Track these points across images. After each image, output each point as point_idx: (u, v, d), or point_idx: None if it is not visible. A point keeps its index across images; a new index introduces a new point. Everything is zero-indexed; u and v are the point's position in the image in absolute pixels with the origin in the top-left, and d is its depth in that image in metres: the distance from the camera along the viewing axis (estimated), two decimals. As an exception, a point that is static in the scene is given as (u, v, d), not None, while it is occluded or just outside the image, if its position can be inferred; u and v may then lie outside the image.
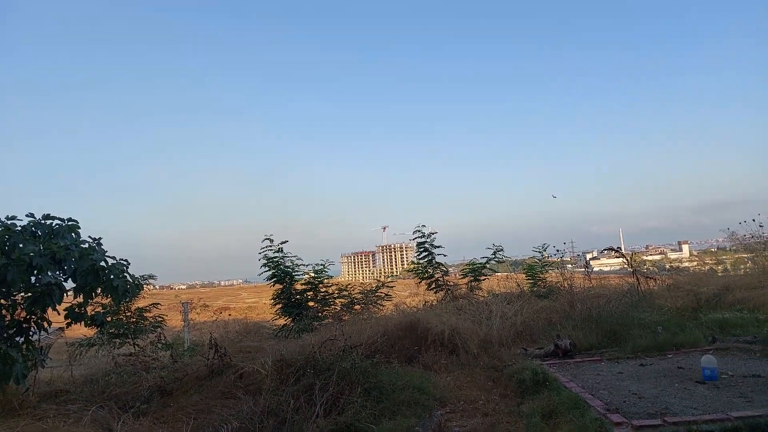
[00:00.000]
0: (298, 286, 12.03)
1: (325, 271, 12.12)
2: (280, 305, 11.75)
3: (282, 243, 11.95)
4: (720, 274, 14.97)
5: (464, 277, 14.27)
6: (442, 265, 13.87)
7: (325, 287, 12.08)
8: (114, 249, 5.97)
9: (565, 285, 13.07)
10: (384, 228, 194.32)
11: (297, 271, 11.97)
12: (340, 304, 11.77)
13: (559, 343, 7.73)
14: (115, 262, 5.91)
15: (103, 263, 5.73)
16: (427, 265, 13.88)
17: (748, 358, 6.75)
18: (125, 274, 5.96)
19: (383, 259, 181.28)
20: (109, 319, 9.20)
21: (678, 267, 26.66)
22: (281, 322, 11.57)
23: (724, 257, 21.47)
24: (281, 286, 11.84)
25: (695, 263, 25.43)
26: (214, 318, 13.48)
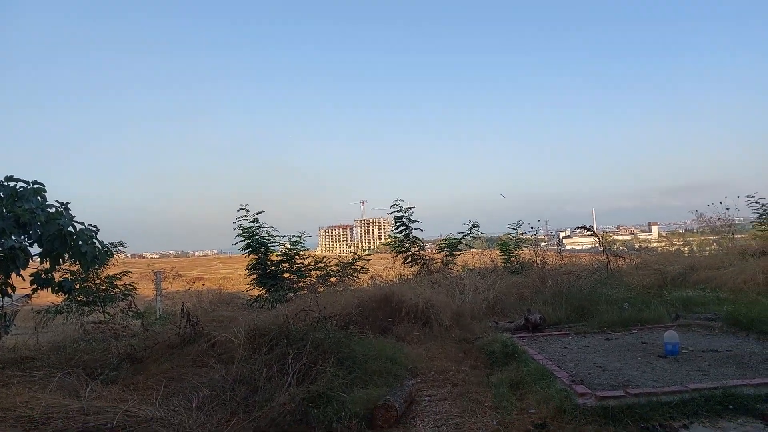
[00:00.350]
0: (274, 257, 11.97)
1: (301, 243, 12.07)
2: (254, 276, 11.69)
3: (258, 213, 11.83)
4: (686, 255, 15.42)
5: (440, 252, 14.41)
6: (419, 239, 13.97)
7: (300, 259, 12.05)
8: (83, 216, 5.79)
9: (538, 262, 13.34)
10: (363, 202, 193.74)
11: (273, 242, 11.90)
12: (315, 276, 11.78)
13: (530, 317, 7.90)
14: (83, 227, 5.73)
15: (70, 228, 5.55)
16: (403, 240, 13.95)
17: (708, 334, 7.01)
18: (94, 240, 5.78)
19: (361, 233, 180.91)
20: (77, 286, 9.02)
21: (647, 247, 27.31)
22: (256, 292, 11.54)
23: (691, 239, 22.06)
24: (256, 257, 11.77)
25: (663, 244, 26.08)
26: (187, 288, 13.33)
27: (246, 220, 11.79)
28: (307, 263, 12.05)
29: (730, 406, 4.20)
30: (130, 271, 11.09)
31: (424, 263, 13.45)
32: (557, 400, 4.45)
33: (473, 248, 16.88)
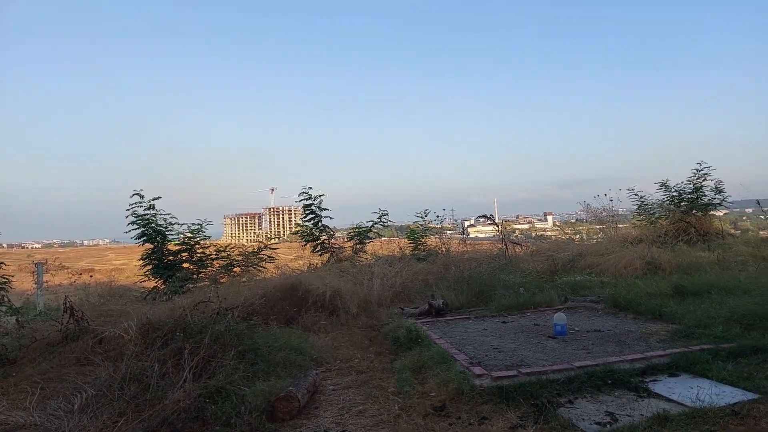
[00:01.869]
0: (172, 247, 11.26)
1: (202, 231, 11.45)
2: (150, 266, 10.94)
3: (154, 199, 11.03)
4: (576, 243, 16.67)
5: (350, 240, 14.41)
6: (328, 227, 13.86)
7: (202, 248, 11.45)
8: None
9: (443, 249, 13.80)
10: (272, 189, 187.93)
11: (171, 230, 11.16)
12: (218, 265, 11.26)
13: (433, 303, 8.13)
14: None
15: None
16: (313, 228, 13.77)
17: (593, 315, 7.63)
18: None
19: (270, 222, 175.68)
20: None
21: (542, 235, 29.34)
22: (151, 284, 10.80)
23: (581, 228, 23.85)
24: (152, 246, 11.00)
25: (557, 232, 28.16)
26: (73, 280, 12.17)
27: (140, 206, 10.96)
28: (208, 253, 11.47)
29: (609, 381, 4.58)
30: (3, 263, 9.87)
31: (334, 252, 13.38)
32: (456, 382, 4.60)
33: (383, 237, 17.09)
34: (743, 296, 6.85)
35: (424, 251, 14.52)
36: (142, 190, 10.89)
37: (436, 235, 15.84)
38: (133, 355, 5.61)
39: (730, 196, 16.27)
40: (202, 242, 11.51)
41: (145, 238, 11.04)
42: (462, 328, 7.23)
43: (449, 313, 8.23)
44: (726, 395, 4.08)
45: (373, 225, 14.37)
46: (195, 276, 10.74)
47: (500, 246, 14.19)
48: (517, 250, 14.44)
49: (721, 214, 17.97)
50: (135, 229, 11.03)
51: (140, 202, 10.94)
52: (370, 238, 14.46)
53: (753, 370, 4.55)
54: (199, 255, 11.25)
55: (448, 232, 19.97)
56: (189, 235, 11.30)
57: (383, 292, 9.11)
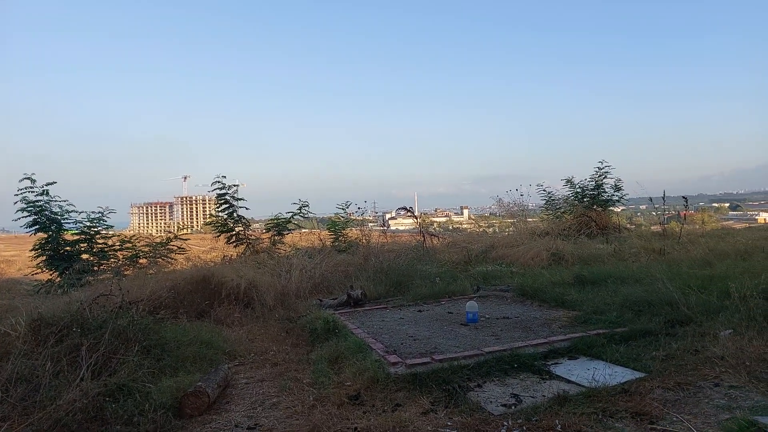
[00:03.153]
0: (69, 237, 10.37)
1: (103, 221, 10.63)
2: (44, 258, 10.01)
3: (48, 184, 10.08)
4: (489, 235, 17.43)
5: (267, 232, 14.05)
6: (244, 218, 13.42)
7: (103, 238, 10.64)
8: None
9: (364, 241, 13.86)
10: (185, 177, 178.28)
11: (67, 218, 10.26)
12: (122, 257, 10.53)
13: (352, 293, 8.15)
14: None
15: None
16: (227, 218, 13.28)
17: (502, 303, 8.01)
18: None
19: (183, 212, 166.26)
20: None
21: (458, 228, 30.34)
22: (45, 276, 9.90)
23: (494, 221, 24.93)
24: (46, 236, 10.06)
25: (472, 225, 29.24)
26: (-50, 274, 10.88)
27: (32, 192, 9.98)
28: (111, 243, 10.68)
29: (516, 365, 4.82)
30: None
31: (250, 243, 12.99)
32: (372, 371, 4.63)
33: (303, 228, 16.86)
34: (635, 285, 7.48)
35: (345, 243, 14.49)
36: (33, 174, 9.93)
37: (358, 227, 15.86)
38: (21, 353, 5.10)
39: (627, 193, 17.79)
40: (103, 232, 10.70)
41: (37, 226, 10.08)
42: (379, 317, 7.31)
43: (368, 303, 8.29)
44: (618, 375, 4.44)
45: (292, 216, 14.11)
46: (95, 268, 9.98)
47: (419, 238, 14.53)
48: (435, 241, 14.86)
49: (619, 209, 19.61)
50: (26, 216, 10.05)
51: (31, 187, 9.97)
52: (290, 230, 14.19)
53: (641, 351, 4.99)
54: (100, 246, 10.46)
55: (370, 224, 20.08)
56: (88, 224, 10.45)
57: (302, 284, 8.99)
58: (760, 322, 5.21)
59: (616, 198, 17.61)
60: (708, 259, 9.21)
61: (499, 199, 18.62)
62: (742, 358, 4.40)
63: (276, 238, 13.57)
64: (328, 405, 4.17)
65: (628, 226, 19.39)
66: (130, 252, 10.66)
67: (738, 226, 21.65)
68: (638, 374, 4.42)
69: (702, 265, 8.73)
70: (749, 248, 9.85)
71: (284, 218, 14.04)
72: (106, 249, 10.51)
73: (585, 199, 17.43)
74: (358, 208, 16.42)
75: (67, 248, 10.17)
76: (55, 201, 10.16)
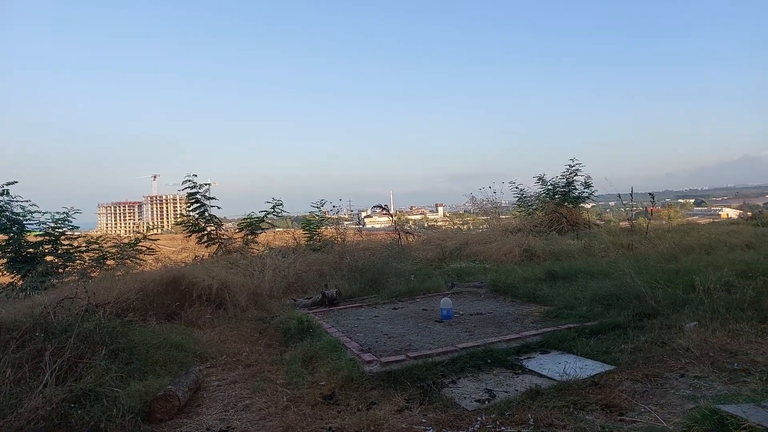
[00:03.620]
0: (32, 238, 10.01)
1: (68, 221, 10.30)
2: (4, 260, 9.64)
3: (8, 184, 9.71)
4: (463, 232, 17.59)
5: (240, 231, 13.86)
6: (216, 217, 13.19)
7: (68, 239, 10.31)
8: None
9: (339, 239, 13.80)
10: (155, 176, 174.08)
11: (30, 219, 9.91)
12: (88, 258, 10.22)
13: (326, 292, 8.10)
14: None
15: None
16: (198, 218, 13.04)
17: (476, 300, 8.08)
18: None
19: (152, 212, 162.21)
20: None
21: (434, 226, 30.59)
22: (6, 279, 9.54)
23: (468, 218, 25.21)
24: (7, 238, 9.69)
25: (447, 223, 29.51)
26: None
27: (-10, 192, 9.60)
28: (77, 244, 10.36)
29: (489, 360, 4.86)
30: None
31: (222, 243, 12.78)
32: (346, 370, 4.61)
33: (278, 227, 16.68)
34: (604, 279, 7.64)
35: (320, 242, 14.40)
36: (-7, 173, 9.54)
37: (333, 226, 15.78)
38: (-22, 360, 4.90)
39: (596, 190, 18.17)
40: (69, 233, 10.38)
41: (-4, 228, 9.70)
42: (354, 316, 7.28)
43: (343, 302, 8.25)
44: (588, 368, 4.51)
45: (266, 215, 13.93)
46: (60, 270, 9.67)
47: (394, 236, 14.54)
48: (410, 239, 14.90)
49: (589, 206, 19.99)
50: (-16, 217, 9.66)
51: (-11, 187, 9.59)
52: (263, 229, 14.02)
53: (611, 344, 5.10)
54: (65, 247, 10.13)
55: (345, 222, 20.02)
56: (53, 225, 10.11)
57: (275, 284, 8.89)
58: (722, 314, 5.39)
59: (586, 195, 17.96)
60: (674, 253, 9.48)
61: (473, 196, 18.80)
62: (706, 349, 4.54)
63: (249, 237, 13.39)
64: (302, 405, 4.13)
65: (598, 222, 19.81)
66: (96, 253, 10.37)
67: (702, 221, 22.34)
68: (608, 367, 4.51)
69: (668, 259, 8.97)
70: (713, 242, 10.17)
71: (257, 217, 13.86)
72: (71, 250, 10.19)
73: (556, 196, 17.71)
74: (333, 207, 16.35)
75: (30, 250, 9.81)
76: (17, 201, 9.81)
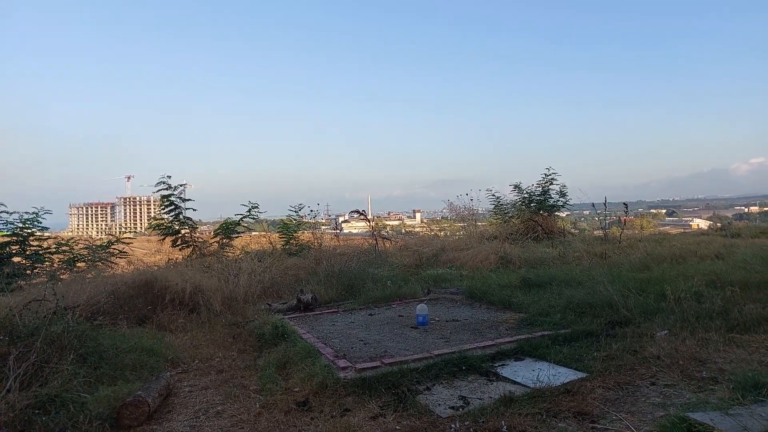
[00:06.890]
0: None
1: (38, 222, 10.02)
2: (-32, 262, 9.33)
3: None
4: (440, 239, 17.67)
5: (216, 235, 13.66)
6: (191, 219, 12.98)
7: (37, 240, 10.02)
8: None
9: (316, 244, 13.72)
10: (128, 177, 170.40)
11: (-4, 219, 9.62)
12: (58, 260, 9.94)
13: (302, 297, 8.03)
14: None
15: None
16: (173, 220, 12.81)
17: (452, 306, 8.11)
18: None
19: (126, 213, 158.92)
20: None
21: (411, 231, 30.60)
22: (-31, 282, 9.20)
23: (445, 225, 25.31)
24: (-30, 239, 9.40)
25: (424, 229, 29.57)
26: None
27: (-44, 190, 9.28)
28: (46, 246, 10.08)
29: (464, 367, 4.88)
30: None
31: (197, 246, 12.58)
32: (321, 376, 4.57)
33: (254, 231, 16.51)
34: (578, 287, 7.74)
35: (296, 246, 14.29)
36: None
37: (310, 230, 15.69)
38: (-64, 367, 4.71)
39: (571, 199, 18.49)
40: (38, 233, 10.08)
41: (-38, 228, 9.39)
42: (330, 321, 7.23)
43: (318, 307, 8.19)
44: (561, 375, 4.57)
45: (242, 218, 13.78)
46: (28, 272, 9.38)
47: (372, 241, 14.53)
48: (387, 245, 14.91)
49: (564, 214, 20.33)
50: (-52, 217, 9.33)
51: (-45, 186, 9.27)
52: (239, 233, 13.86)
53: (583, 352, 5.16)
54: (34, 248, 9.84)
55: (323, 227, 19.93)
56: (21, 225, 9.81)
57: (251, 288, 8.78)
58: (692, 322, 5.52)
59: (562, 203, 18.25)
60: (646, 262, 9.66)
61: (451, 203, 18.95)
62: (676, 358, 4.64)
63: (225, 241, 13.21)
64: (275, 412, 4.08)
65: (572, 230, 20.13)
66: (67, 255, 10.09)
67: (674, 231, 22.88)
68: (580, 374, 4.57)
69: (640, 268, 9.15)
70: (684, 252, 10.41)
71: (233, 221, 13.70)
72: (40, 251, 9.90)
73: (532, 204, 17.97)
74: (311, 211, 16.26)
75: (-4, 251, 9.51)
76: None
